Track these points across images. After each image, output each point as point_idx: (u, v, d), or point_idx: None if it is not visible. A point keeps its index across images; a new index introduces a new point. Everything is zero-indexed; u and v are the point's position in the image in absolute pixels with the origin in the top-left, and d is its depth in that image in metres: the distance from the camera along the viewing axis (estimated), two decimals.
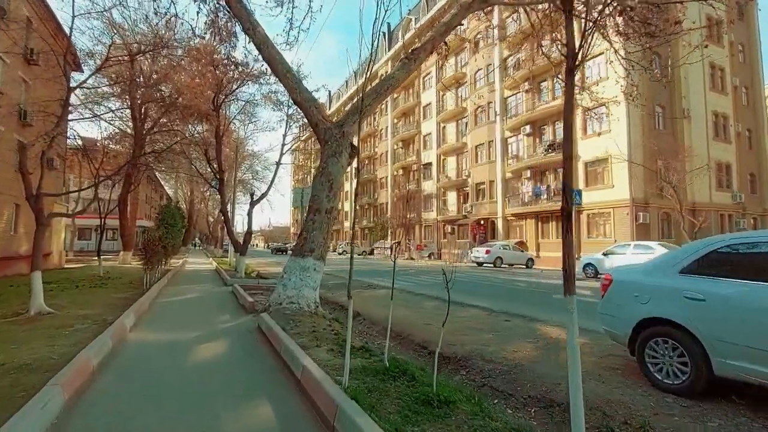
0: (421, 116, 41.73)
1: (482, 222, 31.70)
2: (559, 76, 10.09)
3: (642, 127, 23.49)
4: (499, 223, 30.70)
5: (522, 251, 24.25)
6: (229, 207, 22.00)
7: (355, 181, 6.70)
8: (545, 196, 26.75)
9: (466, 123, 35.16)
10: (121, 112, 23.06)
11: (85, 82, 9.94)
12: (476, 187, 32.78)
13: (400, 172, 44.63)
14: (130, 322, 6.42)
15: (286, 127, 16.91)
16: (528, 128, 28.17)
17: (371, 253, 43.60)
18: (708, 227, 23.34)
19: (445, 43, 9.18)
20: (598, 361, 4.74)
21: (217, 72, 17.41)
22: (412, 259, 32.57)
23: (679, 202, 20.66)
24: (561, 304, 3.95)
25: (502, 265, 23.20)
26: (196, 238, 63.89)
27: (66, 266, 22.33)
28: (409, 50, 8.78)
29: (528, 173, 28.05)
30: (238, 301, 9.16)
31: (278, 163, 17.23)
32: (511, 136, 30.54)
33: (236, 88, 18.80)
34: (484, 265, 23.84)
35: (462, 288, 13.06)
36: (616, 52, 8.48)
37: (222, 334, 6.16)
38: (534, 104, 28.19)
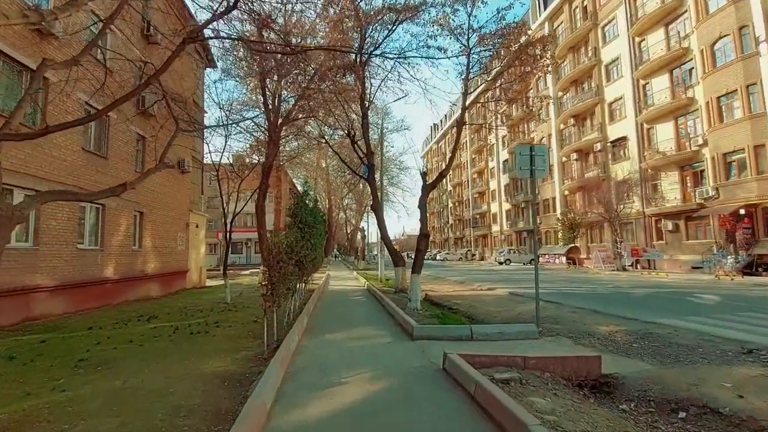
0: (603, 79, 31.33)
1: (744, 212, 20.33)
2: None
3: None
4: None
5: None
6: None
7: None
8: None
9: (691, 69, 23.98)
10: (253, 120, 19.31)
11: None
12: (723, 159, 21.47)
13: (573, 156, 34.61)
14: None
15: (469, 61, 10.27)
16: None
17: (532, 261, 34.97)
18: None
19: None
20: None
21: (361, 12, 11.93)
22: (624, 269, 22.83)
23: None
24: None
25: None
26: (335, 249, 62.89)
27: (207, 284, 19.61)
28: None
29: None
30: None
31: (460, 122, 10.62)
32: None
33: (388, 35, 13.11)
34: None
35: None
36: None
37: None
38: None
